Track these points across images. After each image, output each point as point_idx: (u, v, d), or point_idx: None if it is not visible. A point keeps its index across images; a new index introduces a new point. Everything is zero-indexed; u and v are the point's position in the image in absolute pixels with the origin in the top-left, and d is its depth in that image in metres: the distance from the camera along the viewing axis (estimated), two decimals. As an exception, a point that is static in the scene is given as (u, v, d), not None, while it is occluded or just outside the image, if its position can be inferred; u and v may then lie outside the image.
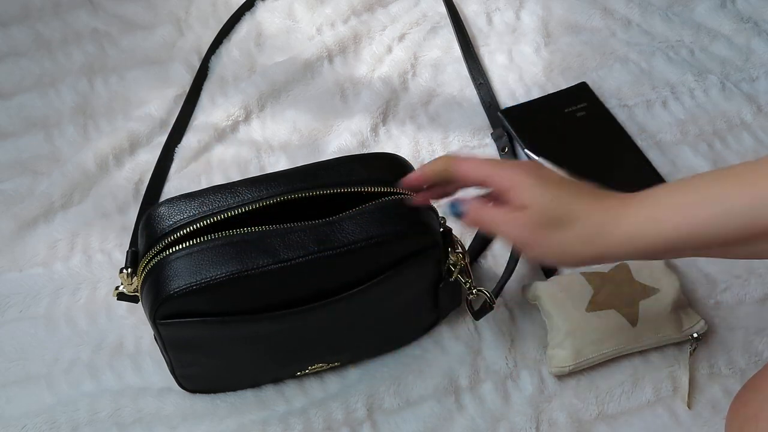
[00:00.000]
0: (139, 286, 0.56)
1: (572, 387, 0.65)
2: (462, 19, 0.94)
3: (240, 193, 0.56)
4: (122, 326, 0.68)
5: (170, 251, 0.54)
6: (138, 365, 0.66)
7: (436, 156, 0.81)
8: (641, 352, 0.67)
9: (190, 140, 0.81)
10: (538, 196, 0.50)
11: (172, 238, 0.54)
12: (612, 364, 0.66)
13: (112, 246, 0.73)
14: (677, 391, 0.65)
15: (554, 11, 0.95)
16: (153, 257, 0.54)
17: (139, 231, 0.57)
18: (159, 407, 0.63)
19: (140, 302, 0.57)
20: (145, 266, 0.55)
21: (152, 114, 0.83)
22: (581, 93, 0.85)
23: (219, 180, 0.79)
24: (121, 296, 0.58)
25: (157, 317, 0.54)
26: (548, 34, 0.93)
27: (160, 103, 0.84)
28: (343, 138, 0.81)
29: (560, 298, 0.67)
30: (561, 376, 0.66)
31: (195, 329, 0.55)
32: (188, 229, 0.54)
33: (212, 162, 0.80)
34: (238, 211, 0.55)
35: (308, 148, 0.82)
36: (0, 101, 0.85)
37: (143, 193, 0.77)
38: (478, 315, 0.66)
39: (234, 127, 0.83)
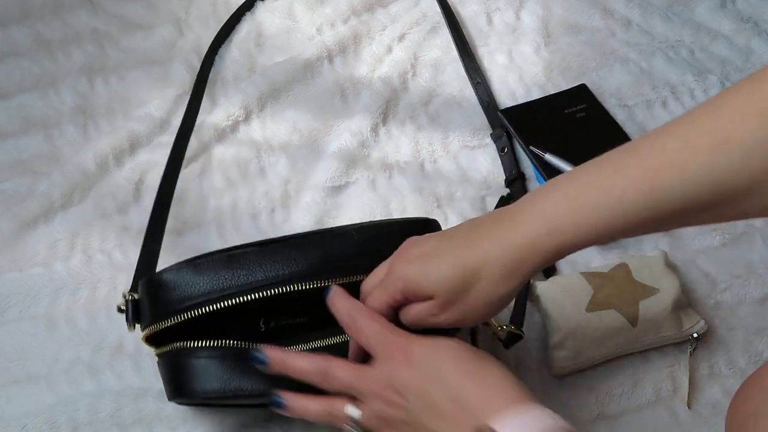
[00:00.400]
0: (154, 353, 0.57)
1: (572, 387, 0.65)
2: (457, 18, 0.94)
3: (252, 270, 0.54)
4: (122, 326, 0.67)
5: (196, 344, 0.53)
6: (138, 365, 0.66)
7: (437, 156, 0.82)
8: (641, 352, 0.67)
9: (190, 140, 0.81)
10: (433, 282, 0.48)
11: (184, 316, 0.54)
12: (612, 364, 0.66)
13: (112, 246, 0.73)
14: (677, 391, 0.65)
15: (554, 11, 0.95)
16: (172, 339, 0.54)
17: (142, 289, 0.57)
18: (159, 408, 0.63)
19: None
20: (164, 347, 0.55)
21: (152, 114, 0.83)
22: (581, 94, 0.86)
23: (219, 180, 0.78)
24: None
25: (175, 399, 0.56)
26: (548, 34, 0.93)
27: (160, 103, 0.84)
28: (344, 138, 0.81)
29: (560, 298, 0.67)
30: (561, 376, 0.66)
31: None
32: (199, 311, 0.53)
33: (212, 162, 0.80)
34: (250, 297, 0.53)
35: (308, 148, 0.82)
36: (0, 101, 0.85)
37: (144, 193, 0.77)
38: (507, 344, 0.64)
39: (234, 127, 0.83)
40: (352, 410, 0.49)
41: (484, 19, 0.94)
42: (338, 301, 0.52)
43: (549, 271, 0.72)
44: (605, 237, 0.45)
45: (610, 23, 0.93)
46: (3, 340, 0.67)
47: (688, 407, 0.64)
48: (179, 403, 0.63)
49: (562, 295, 0.67)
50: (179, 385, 0.54)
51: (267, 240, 0.56)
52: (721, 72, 0.88)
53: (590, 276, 0.68)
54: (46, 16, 0.93)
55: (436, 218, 0.62)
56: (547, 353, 0.66)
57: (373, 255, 0.54)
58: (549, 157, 0.78)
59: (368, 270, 0.54)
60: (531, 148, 0.80)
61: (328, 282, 0.54)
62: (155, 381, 0.64)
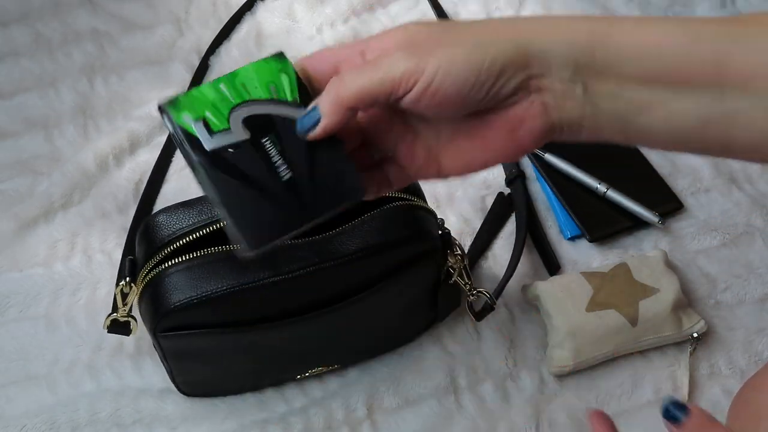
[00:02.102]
0: (137, 298, 0.56)
1: (572, 387, 0.65)
2: (457, 18, 0.94)
3: None
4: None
5: (169, 264, 0.54)
6: (138, 366, 0.66)
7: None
8: (641, 352, 0.67)
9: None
10: None
11: (171, 248, 0.54)
12: (612, 364, 0.66)
13: (113, 246, 0.73)
14: (677, 391, 0.65)
15: (554, 11, 0.95)
16: (152, 269, 0.54)
17: (137, 240, 0.57)
18: (159, 408, 0.63)
19: (139, 314, 0.57)
20: (144, 278, 0.55)
21: (152, 114, 0.83)
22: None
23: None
24: (114, 327, 0.58)
25: (157, 330, 0.54)
26: (548, 34, 0.93)
27: (160, 103, 0.84)
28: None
29: (560, 298, 0.67)
30: (561, 376, 0.66)
31: (195, 340, 0.55)
32: (187, 239, 0.54)
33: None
34: None
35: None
36: (0, 101, 0.85)
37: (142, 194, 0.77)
38: (479, 316, 0.66)
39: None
40: None
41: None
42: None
43: (551, 270, 0.72)
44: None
45: (610, 23, 0.93)
46: (3, 340, 0.67)
47: (688, 407, 0.64)
48: (191, 395, 0.63)
49: (562, 295, 0.67)
50: (156, 309, 0.53)
51: None
52: (721, 72, 0.88)
53: (590, 276, 0.68)
54: (46, 16, 0.93)
55: (436, 218, 0.62)
56: (547, 353, 0.66)
57: None
58: (549, 157, 0.78)
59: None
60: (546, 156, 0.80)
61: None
62: (155, 380, 0.65)
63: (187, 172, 0.79)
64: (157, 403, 0.63)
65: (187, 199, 0.57)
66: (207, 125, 0.40)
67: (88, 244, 0.73)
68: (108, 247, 0.73)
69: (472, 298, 0.64)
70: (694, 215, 0.76)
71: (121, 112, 0.84)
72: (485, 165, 0.43)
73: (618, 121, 0.40)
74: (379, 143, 0.44)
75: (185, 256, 0.54)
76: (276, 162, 0.40)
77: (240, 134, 0.40)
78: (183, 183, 0.78)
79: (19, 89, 0.86)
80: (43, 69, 0.88)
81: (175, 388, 0.63)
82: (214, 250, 0.54)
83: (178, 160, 0.80)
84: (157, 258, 0.54)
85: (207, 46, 0.90)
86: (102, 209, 0.76)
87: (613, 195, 0.75)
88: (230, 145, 0.40)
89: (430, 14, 0.94)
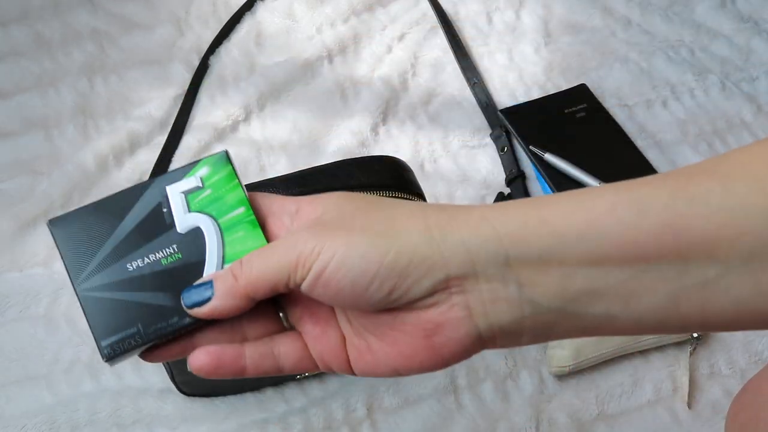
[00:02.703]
0: None
1: (572, 387, 0.65)
2: (456, 18, 0.94)
3: None
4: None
5: None
6: (138, 365, 0.65)
7: (437, 155, 0.81)
8: (641, 352, 0.67)
9: (189, 140, 0.81)
10: None
11: None
12: (612, 364, 0.66)
13: (112, 246, 0.73)
14: (677, 391, 0.65)
15: (554, 11, 0.95)
16: None
17: None
18: (159, 408, 0.63)
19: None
20: None
21: (152, 114, 0.83)
22: (581, 94, 0.85)
23: (219, 180, 0.79)
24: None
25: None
26: (548, 34, 0.93)
27: (159, 103, 0.84)
28: (343, 138, 0.81)
29: (560, 298, 0.67)
30: (561, 376, 0.66)
31: None
32: None
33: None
34: None
35: (308, 148, 0.82)
36: (0, 101, 0.85)
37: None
38: None
39: (234, 126, 0.83)
40: None
41: (484, 18, 0.94)
42: None
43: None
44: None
45: (610, 23, 0.93)
46: (3, 340, 0.67)
47: (688, 407, 0.64)
48: (191, 395, 0.63)
49: (562, 295, 0.67)
50: None
51: (254, 183, 0.57)
52: (721, 72, 0.88)
53: (590, 276, 0.68)
54: (46, 15, 0.93)
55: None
56: (547, 353, 0.66)
57: (348, 178, 0.57)
58: (549, 157, 0.78)
59: (345, 188, 0.56)
60: (531, 148, 0.80)
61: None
62: (155, 380, 0.64)
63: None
64: (157, 403, 0.63)
65: None
66: None
67: (88, 244, 0.73)
68: (108, 247, 0.73)
69: None
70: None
71: (121, 112, 0.84)
72: (396, 371, 0.35)
73: (569, 316, 0.33)
74: (289, 312, 0.37)
75: None
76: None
77: None
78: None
79: (19, 89, 0.86)
80: (43, 69, 0.88)
81: (175, 388, 0.63)
82: None
83: (178, 159, 0.80)
84: None
85: (207, 46, 0.90)
86: (102, 209, 0.76)
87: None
88: None
89: (430, 14, 0.94)
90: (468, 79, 0.88)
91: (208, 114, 0.84)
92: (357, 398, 0.64)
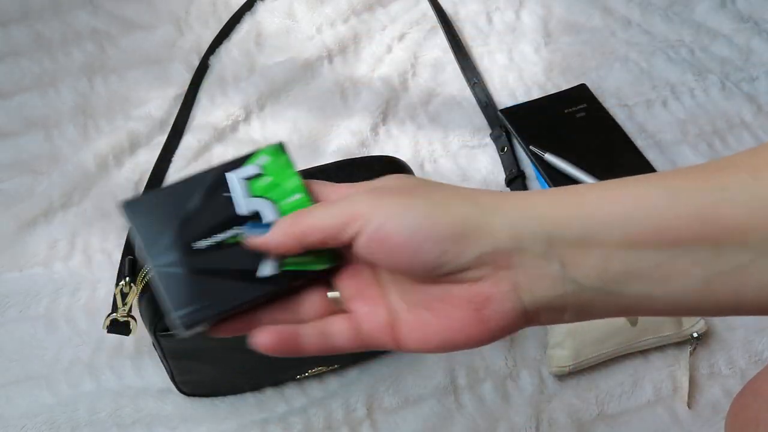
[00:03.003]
0: (137, 297, 0.56)
1: (572, 387, 0.65)
2: (456, 18, 0.94)
3: None
4: (122, 326, 0.68)
5: None
6: (138, 365, 0.66)
7: (437, 155, 0.82)
8: (641, 352, 0.67)
9: (189, 140, 0.81)
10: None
11: None
12: (612, 364, 0.66)
13: (113, 246, 0.73)
14: (677, 391, 0.65)
15: (554, 11, 0.95)
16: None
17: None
18: (159, 408, 0.63)
19: (139, 314, 0.57)
20: (143, 278, 0.55)
21: (152, 114, 0.83)
22: (581, 94, 0.85)
23: (219, 180, 0.79)
24: (113, 327, 0.58)
25: (157, 330, 0.54)
26: (548, 34, 0.93)
27: (159, 103, 0.84)
28: (343, 138, 0.81)
29: (560, 298, 0.67)
30: (561, 376, 0.66)
31: (195, 340, 0.55)
32: None
33: (212, 162, 0.80)
34: None
35: (308, 147, 0.82)
36: (0, 101, 0.85)
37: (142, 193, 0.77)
38: None
39: (234, 126, 0.83)
40: None
41: (484, 18, 0.94)
42: None
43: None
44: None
45: (610, 23, 0.93)
46: (3, 340, 0.67)
47: (688, 407, 0.64)
48: (191, 395, 0.63)
49: (562, 295, 0.67)
50: (156, 308, 0.53)
51: None
52: (721, 72, 0.88)
53: (590, 276, 0.68)
54: (46, 16, 0.93)
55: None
56: (547, 353, 0.66)
57: (349, 179, 0.55)
58: (549, 157, 0.78)
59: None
60: (531, 148, 0.80)
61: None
62: (155, 380, 0.64)
63: (188, 171, 0.80)
64: (157, 403, 0.63)
65: None
66: None
67: (88, 244, 0.73)
68: (108, 247, 0.73)
69: None
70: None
71: (121, 112, 0.84)
72: (445, 346, 0.37)
73: (609, 295, 0.35)
74: (341, 292, 0.39)
75: None
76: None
77: None
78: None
79: (19, 89, 0.86)
80: (43, 69, 0.88)
81: (175, 388, 0.63)
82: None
83: (178, 159, 0.80)
84: None
85: (207, 46, 0.90)
86: (102, 209, 0.76)
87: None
88: None
89: (430, 14, 0.94)
90: (468, 79, 0.88)
91: (208, 114, 0.84)
92: (357, 398, 0.64)
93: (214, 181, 0.39)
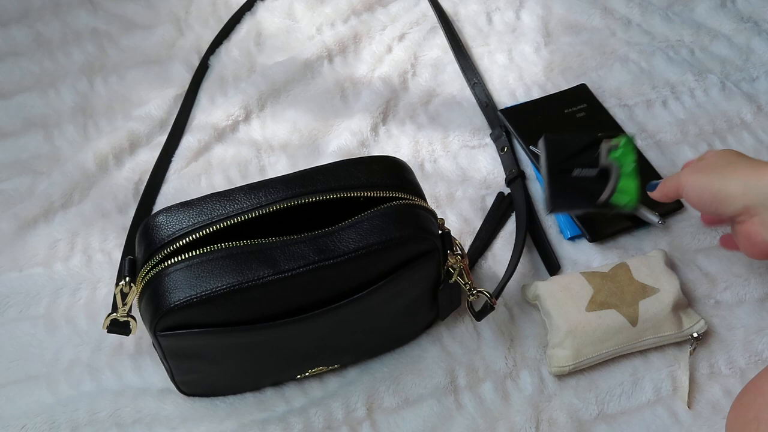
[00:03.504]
0: (137, 297, 0.56)
1: (572, 387, 0.65)
2: (456, 18, 0.94)
3: (238, 200, 0.55)
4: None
5: (169, 263, 0.53)
6: (138, 365, 0.66)
7: (437, 155, 0.82)
8: (641, 352, 0.67)
9: (189, 140, 0.81)
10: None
11: (171, 248, 0.54)
12: (612, 364, 0.66)
13: (113, 246, 0.73)
14: (677, 391, 0.65)
15: (554, 11, 0.95)
16: (152, 268, 0.54)
17: (137, 240, 0.57)
18: (159, 408, 0.63)
19: (139, 314, 0.57)
20: (143, 277, 0.55)
21: (152, 114, 0.83)
22: (581, 94, 0.85)
23: (219, 180, 0.79)
24: (113, 327, 0.58)
25: (157, 329, 0.54)
26: (548, 34, 0.93)
27: (160, 103, 0.84)
28: (343, 138, 0.81)
29: (560, 298, 0.67)
30: (561, 376, 0.66)
31: (195, 340, 0.55)
32: (187, 239, 0.54)
33: (212, 162, 0.80)
34: (237, 220, 0.54)
35: (308, 147, 0.82)
36: (0, 101, 0.85)
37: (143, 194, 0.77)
38: (479, 316, 0.66)
39: (234, 126, 0.83)
40: None
41: (484, 18, 0.94)
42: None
43: (552, 269, 0.72)
44: None
45: (610, 23, 0.93)
46: (3, 340, 0.67)
47: (688, 407, 0.64)
48: (191, 395, 0.63)
49: (563, 295, 0.67)
50: (156, 308, 0.53)
51: (255, 182, 0.58)
52: (721, 72, 0.88)
53: (590, 276, 0.68)
54: (46, 15, 0.93)
55: (436, 218, 0.62)
56: (547, 352, 0.66)
57: (348, 178, 0.57)
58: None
59: (344, 188, 0.57)
60: (531, 148, 0.80)
61: (307, 199, 0.56)
62: (155, 380, 0.65)
63: (188, 171, 0.80)
64: (156, 403, 0.63)
65: (187, 199, 0.57)
66: None
67: (88, 244, 0.73)
68: (108, 247, 0.73)
69: (472, 297, 0.64)
70: (694, 215, 0.76)
71: (121, 112, 0.84)
72: (745, 252, 0.63)
73: None
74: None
75: (185, 255, 0.53)
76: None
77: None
78: (183, 183, 0.78)
79: (19, 89, 0.86)
80: (43, 69, 0.88)
81: (175, 388, 0.63)
82: (214, 248, 0.54)
83: (178, 159, 0.80)
84: (157, 258, 0.54)
85: (207, 46, 0.90)
86: (102, 209, 0.76)
87: None
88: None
89: (430, 14, 0.94)
90: (468, 79, 0.88)
91: (208, 114, 0.84)
92: (357, 398, 0.64)
93: (592, 144, 0.72)
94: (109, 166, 0.79)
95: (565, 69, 0.89)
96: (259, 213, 0.55)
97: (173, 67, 0.88)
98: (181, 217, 0.55)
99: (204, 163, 0.80)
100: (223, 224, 0.54)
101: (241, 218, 0.54)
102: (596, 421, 0.64)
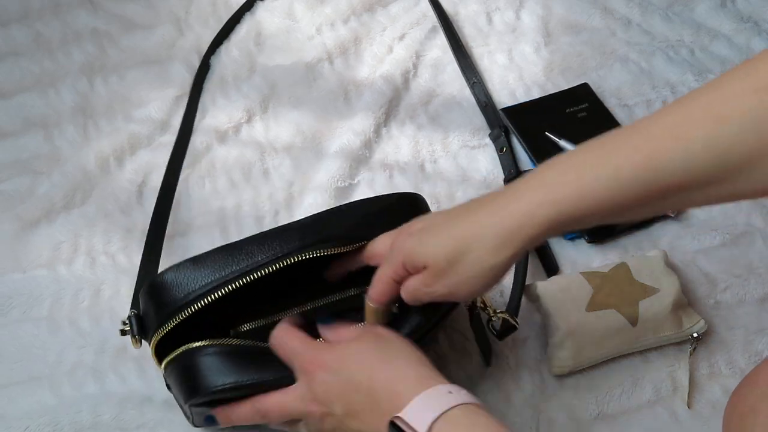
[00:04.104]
0: (162, 367, 0.55)
1: (572, 387, 0.66)
2: (456, 18, 0.94)
3: (251, 253, 0.54)
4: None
5: (200, 345, 0.53)
6: (142, 368, 0.65)
7: (437, 156, 0.82)
8: (641, 352, 0.67)
9: (192, 142, 0.81)
10: (429, 252, 0.49)
11: (188, 311, 0.53)
12: (612, 364, 0.67)
13: (116, 248, 0.73)
14: (677, 391, 0.65)
15: (554, 11, 0.95)
16: (170, 336, 0.54)
17: (142, 296, 0.56)
18: (163, 411, 0.63)
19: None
20: (163, 344, 0.54)
21: (152, 114, 0.83)
22: (583, 94, 0.86)
23: (223, 183, 0.78)
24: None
25: (193, 404, 0.54)
26: (548, 34, 0.93)
27: (160, 104, 0.84)
28: (346, 138, 0.81)
29: (560, 298, 0.67)
30: (561, 376, 0.66)
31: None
32: (203, 302, 0.53)
33: (215, 164, 0.80)
34: (253, 277, 0.53)
35: (311, 149, 0.82)
36: (0, 101, 0.85)
37: (147, 194, 0.77)
38: (501, 336, 0.64)
39: (237, 129, 0.83)
40: None
41: (484, 18, 0.94)
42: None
43: (551, 270, 0.72)
44: (605, 211, 0.45)
45: (610, 23, 0.94)
46: (6, 342, 0.67)
47: (688, 407, 0.65)
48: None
49: (563, 295, 0.67)
50: (194, 384, 0.53)
51: (265, 231, 0.56)
52: (721, 71, 0.88)
53: (590, 276, 0.68)
54: (46, 15, 0.93)
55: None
56: (547, 353, 0.66)
57: (365, 226, 0.56)
58: (564, 143, 0.79)
59: (360, 238, 0.56)
60: (547, 134, 0.80)
61: (324, 251, 0.54)
62: (159, 384, 0.64)
63: (191, 173, 0.79)
64: (161, 407, 0.63)
65: (195, 255, 0.55)
66: None
67: (91, 246, 0.73)
68: (111, 249, 0.73)
69: (494, 320, 0.63)
70: (694, 215, 0.76)
71: (121, 112, 0.84)
72: None
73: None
74: None
75: (217, 341, 0.53)
76: None
77: None
78: (187, 186, 0.78)
79: (19, 89, 0.86)
80: (43, 69, 0.88)
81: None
82: (251, 344, 0.54)
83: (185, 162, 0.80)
84: (171, 324, 0.53)
85: (207, 46, 0.90)
86: (104, 210, 0.76)
87: None
88: None
89: (431, 14, 0.94)
90: (468, 79, 0.88)
91: (209, 116, 0.84)
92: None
93: None
94: (110, 167, 0.79)
95: (565, 69, 0.89)
96: (275, 267, 0.53)
97: (173, 67, 0.88)
98: (193, 275, 0.53)
99: (207, 166, 0.80)
100: (240, 282, 0.53)
101: (258, 274, 0.53)
102: (596, 421, 0.64)
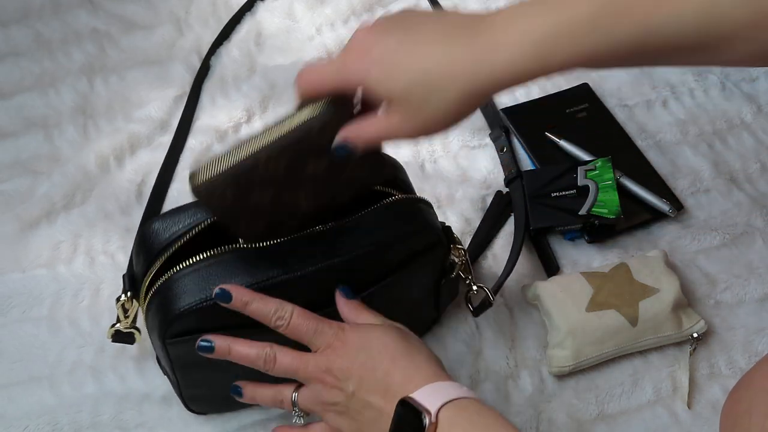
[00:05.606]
0: (144, 309, 0.55)
1: (572, 387, 0.66)
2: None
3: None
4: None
5: (175, 269, 0.53)
6: (141, 368, 0.66)
7: (437, 156, 0.82)
8: (641, 352, 0.67)
9: (191, 142, 0.81)
10: (398, 87, 0.46)
11: (171, 251, 0.53)
12: (612, 364, 0.67)
13: (116, 248, 0.73)
14: (677, 391, 0.65)
15: (554, 11, 0.95)
16: (156, 277, 0.54)
17: (134, 252, 0.56)
18: (162, 410, 0.63)
19: (145, 324, 0.56)
20: (148, 287, 0.54)
21: (152, 114, 0.83)
22: (583, 93, 0.85)
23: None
24: (117, 337, 0.58)
25: (167, 336, 0.53)
26: (548, 34, 0.93)
27: (160, 104, 0.84)
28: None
29: (560, 298, 0.67)
30: (561, 376, 0.66)
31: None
32: (185, 239, 0.53)
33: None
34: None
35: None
36: (0, 101, 0.85)
37: (146, 194, 0.77)
38: (477, 312, 0.66)
39: (236, 128, 0.83)
40: (294, 395, 0.54)
41: (484, 18, 0.94)
42: (259, 305, 0.52)
43: (551, 270, 0.72)
44: (592, 62, 0.45)
45: (610, 23, 0.93)
46: (5, 341, 0.67)
47: (688, 407, 0.65)
48: (196, 412, 0.63)
49: (563, 295, 0.67)
50: (165, 316, 0.52)
51: None
52: (721, 72, 0.88)
53: (590, 276, 0.68)
54: (46, 16, 0.93)
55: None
56: (547, 353, 0.66)
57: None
58: (564, 144, 0.79)
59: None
60: (547, 134, 0.80)
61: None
62: (158, 384, 0.64)
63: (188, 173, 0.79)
64: (160, 406, 0.63)
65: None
66: None
67: (91, 246, 0.73)
68: (111, 249, 0.73)
69: (472, 292, 0.64)
70: (694, 215, 0.76)
71: (121, 113, 0.84)
72: None
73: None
74: None
75: (190, 260, 0.53)
76: None
77: None
78: (186, 185, 0.77)
79: (19, 89, 0.86)
80: (43, 69, 0.88)
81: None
82: (219, 250, 0.53)
83: (180, 162, 0.80)
84: (158, 264, 0.54)
85: (207, 46, 0.90)
86: (104, 210, 0.76)
87: (625, 182, 0.76)
88: None
89: (430, 14, 0.94)
90: (468, 79, 0.88)
91: (209, 115, 0.84)
92: (358, 399, 0.64)
93: (570, 168, 0.74)
94: (110, 167, 0.79)
95: (565, 69, 0.89)
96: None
97: (173, 67, 0.88)
98: (177, 219, 0.54)
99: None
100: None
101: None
102: (596, 421, 0.64)
